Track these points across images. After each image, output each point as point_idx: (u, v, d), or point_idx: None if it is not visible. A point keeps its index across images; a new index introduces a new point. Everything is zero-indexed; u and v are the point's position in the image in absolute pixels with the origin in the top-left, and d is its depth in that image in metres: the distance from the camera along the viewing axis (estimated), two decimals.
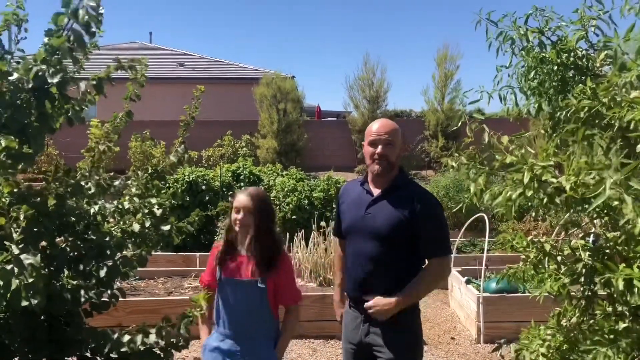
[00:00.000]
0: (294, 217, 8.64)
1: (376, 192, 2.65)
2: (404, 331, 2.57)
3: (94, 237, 2.34)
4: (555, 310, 2.38)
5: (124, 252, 2.45)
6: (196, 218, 2.77)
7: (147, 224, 2.46)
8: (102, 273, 2.35)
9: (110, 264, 2.38)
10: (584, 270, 2.10)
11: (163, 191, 2.62)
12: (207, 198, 8.88)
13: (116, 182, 2.53)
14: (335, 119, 24.35)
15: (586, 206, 1.71)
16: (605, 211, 1.93)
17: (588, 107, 1.86)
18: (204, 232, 8.48)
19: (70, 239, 2.33)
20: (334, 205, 8.68)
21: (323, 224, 7.07)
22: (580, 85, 2.11)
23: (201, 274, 2.87)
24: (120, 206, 2.49)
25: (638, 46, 1.99)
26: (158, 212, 2.49)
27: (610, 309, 2.10)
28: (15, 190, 2.07)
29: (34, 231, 2.02)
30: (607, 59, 2.30)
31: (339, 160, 18.23)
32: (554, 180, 1.75)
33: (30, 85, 1.87)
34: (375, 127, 2.62)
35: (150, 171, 2.62)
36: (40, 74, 1.87)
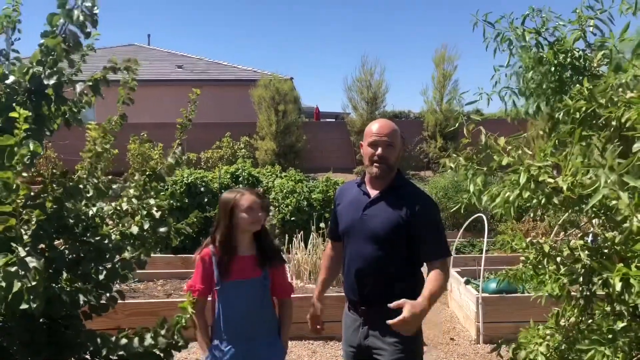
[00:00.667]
0: (293, 218, 8.63)
1: (373, 193, 2.63)
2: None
3: (93, 240, 2.34)
4: (554, 310, 2.39)
5: (123, 255, 2.45)
6: (195, 219, 2.76)
7: (146, 226, 2.45)
8: (101, 276, 2.34)
9: (109, 266, 2.38)
10: (582, 270, 2.11)
11: (162, 193, 2.62)
12: (205, 200, 8.87)
13: (114, 185, 2.52)
14: (333, 120, 24.36)
15: (583, 206, 1.71)
16: (603, 211, 1.93)
17: (584, 108, 1.86)
18: (203, 234, 8.43)
19: (68, 241, 2.33)
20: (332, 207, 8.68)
21: (322, 225, 7.06)
22: (577, 85, 2.12)
23: (190, 281, 2.75)
24: (118, 208, 2.49)
25: (634, 45, 2.00)
26: (157, 213, 2.48)
27: (608, 309, 2.10)
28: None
29: (37, 234, 2.02)
30: (604, 59, 2.30)
31: (338, 161, 18.24)
32: (551, 180, 1.76)
33: (26, 87, 1.87)
34: (376, 127, 2.58)
35: (147, 173, 2.62)
36: (36, 75, 1.86)
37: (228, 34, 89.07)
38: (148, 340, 2.33)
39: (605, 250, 2.08)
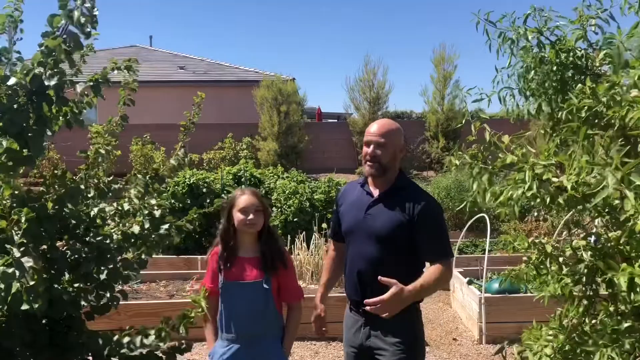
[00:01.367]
0: (295, 219, 8.63)
1: (376, 193, 2.63)
2: (405, 334, 2.54)
3: (94, 240, 2.34)
4: (557, 311, 2.37)
5: (125, 255, 2.45)
6: (195, 216, 2.76)
7: (147, 225, 2.45)
8: (102, 275, 2.34)
9: (110, 266, 2.37)
10: (585, 270, 2.10)
11: (164, 194, 2.62)
12: (208, 201, 8.88)
13: (115, 186, 2.52)
14: (336, 120, 24.35)
15: (587, 205, 1.70)
16: (607, 210, 1.92)
17: (588, 107, 1.85)
18: (205, 235, 8.47)
19: (70, 241, 2.33)
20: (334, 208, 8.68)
21: (324, 225, 7.07)
22: (579, 84, 2.11)
23: (203, 280, 2.82)
24: (120, 208, 2.49)
25: None
26: (157, 213, 2.48)
27: (612, 309, 2.09)
28: (16, 192, 2.07)
29: (34, 234, 2.02)
30: (606, 58, 2.29)
31: (340, 162, 18.24)
32: (555, 179, 1.75)
33: (27, 88, 1.87)
34: (372, 127, 2.61)
35: (150, 174, 2.62)
36: (37, 76, 1.87)
37: (230, 35, 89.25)
38: (151, 338, 2.33)
39: (609, 250, 2.07)
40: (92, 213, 2.39)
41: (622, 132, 1.80)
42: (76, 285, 2.32)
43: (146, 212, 2.49)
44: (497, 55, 2.54)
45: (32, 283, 1.65)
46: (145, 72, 18.96)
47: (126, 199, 2.54)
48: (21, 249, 1.73)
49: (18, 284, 1.63)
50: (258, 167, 14.01)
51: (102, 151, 2.56)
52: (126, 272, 2.43)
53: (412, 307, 2.56)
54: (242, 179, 9.86)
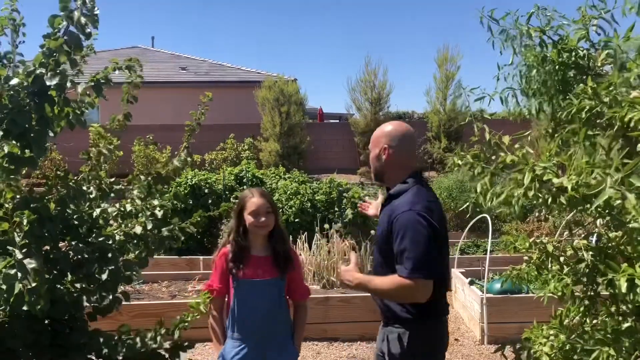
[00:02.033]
0: (296, 220, 8.63)
1: None
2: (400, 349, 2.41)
3: (97, 240, 2.35)
4: (558, 311, 2.38)
5: (127, 255, 2.46)
6: (198, 219, 2.77)
7: (149, 226, 2.46)
8: (104, 275, 2.35)
9: (112, 267, 2.38)
10: (586, 270, 2.10)
11: (166, 195, 2.63)
12: (210, 201, 8.89)
13: (117, 187, 2.53)
14: (337, 121, 24.35)
15: (588, 206, 1.70)
16: (607, 210, 1.92)
17: (589, 107, 1.86)
18: (207, 235, 8.47)
19: (72, 242, 2.33)
20: (336, 208, 8.68)
21: (326, 226, 7.06)
22: (581, 85, 2.11)
23: (208, 281, 2.79)
24: (122, 208, 2.50)
25: (639, 45, 1.99)
26: (159, 213, 2.49)
27: (613, 309, 2.09)
28: (18, 195, 2.08)
29: (37, 235, 2.03)
30: (608, 59, 2.29)
31: (342, 162, 18.24)
32: (555, 180, 1.75)
33: (29, 89, 1.88)
34: None
35: (152, 176, 2.63)
36: (39, 77, 1.87)
37: (231, 36, 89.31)
38: (148, 340, 2.34)
39: (609, 251, 2.07)
40: (94, 214, 2.39)
41: (622, 132, 1.80)
42: (78, 285, 2.32)
43: (148, 213, 2.49)
44: (501, 52, 2.53)
45: (34, 284, 1.66)
46: (147, 72, 18.92)
47: (128, 200, 2.55)
48: (23, 251, 1.73)
49: (20, 285, 1.64)
50: (260, 167, 14.01)
51: (105, 151, 2.57)
52: (127, 273, 2.44)
53: (419, 327, 2.40)
54: (244, 180, 9.87)
